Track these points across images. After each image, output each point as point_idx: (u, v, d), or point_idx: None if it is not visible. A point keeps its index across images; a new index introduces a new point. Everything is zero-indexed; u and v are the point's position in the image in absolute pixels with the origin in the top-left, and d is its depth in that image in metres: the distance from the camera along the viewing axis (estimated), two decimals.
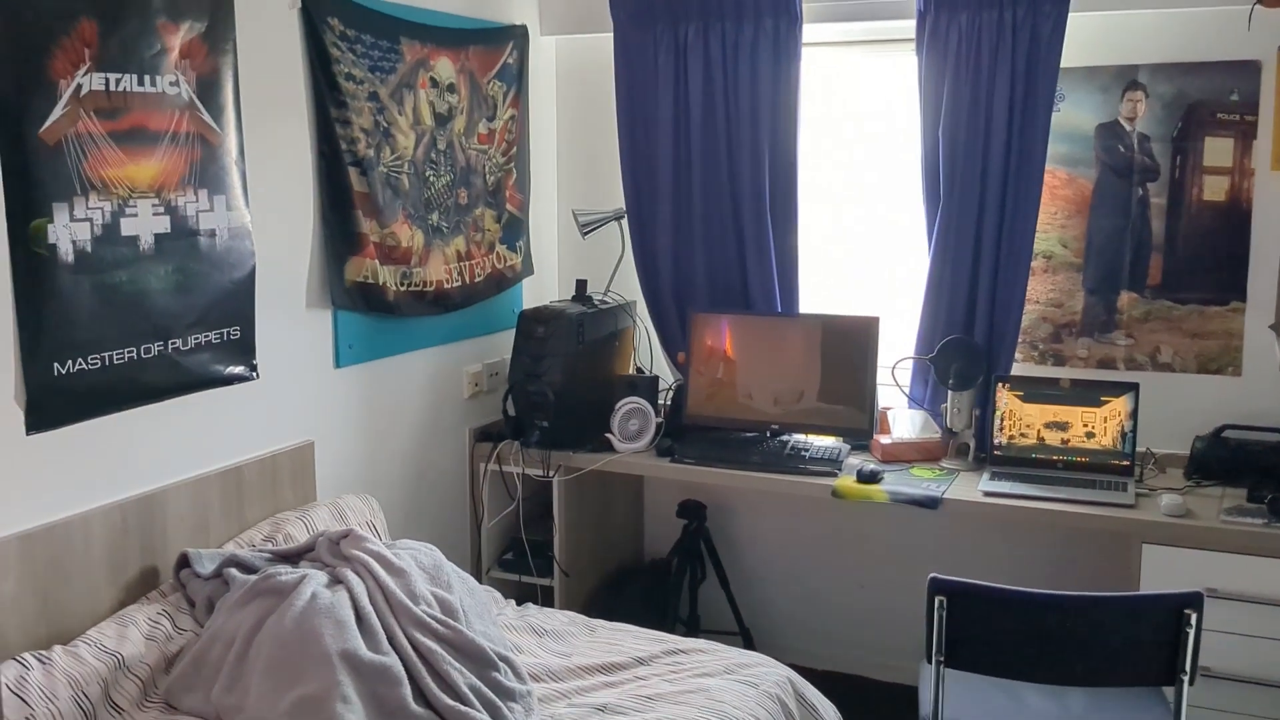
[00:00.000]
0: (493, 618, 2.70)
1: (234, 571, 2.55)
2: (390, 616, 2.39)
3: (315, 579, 2.43)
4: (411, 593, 2.46)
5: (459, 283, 3.64)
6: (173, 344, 2.65)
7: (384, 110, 3.27)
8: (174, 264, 2.64)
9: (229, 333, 2.81)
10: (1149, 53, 3.42)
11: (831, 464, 3.47)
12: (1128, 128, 3.47)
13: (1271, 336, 3.31)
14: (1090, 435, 3.39)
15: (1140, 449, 3.38)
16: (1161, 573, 3.00)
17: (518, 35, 3.88)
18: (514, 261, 3.93)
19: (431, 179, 3.49)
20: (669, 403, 3.83)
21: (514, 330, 3.72)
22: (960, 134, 3.47)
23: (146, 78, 2.54)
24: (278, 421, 3.04)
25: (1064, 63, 3.37)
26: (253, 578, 2.49)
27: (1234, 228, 3.40)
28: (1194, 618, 2.37)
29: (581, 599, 3.82)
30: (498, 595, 3.07)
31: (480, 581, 3.76)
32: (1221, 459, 3.32)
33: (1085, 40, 3.43)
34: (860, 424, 3.62)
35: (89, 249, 2.44)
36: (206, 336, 2.74)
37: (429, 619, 2.42)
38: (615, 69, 3.86)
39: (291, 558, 2.66)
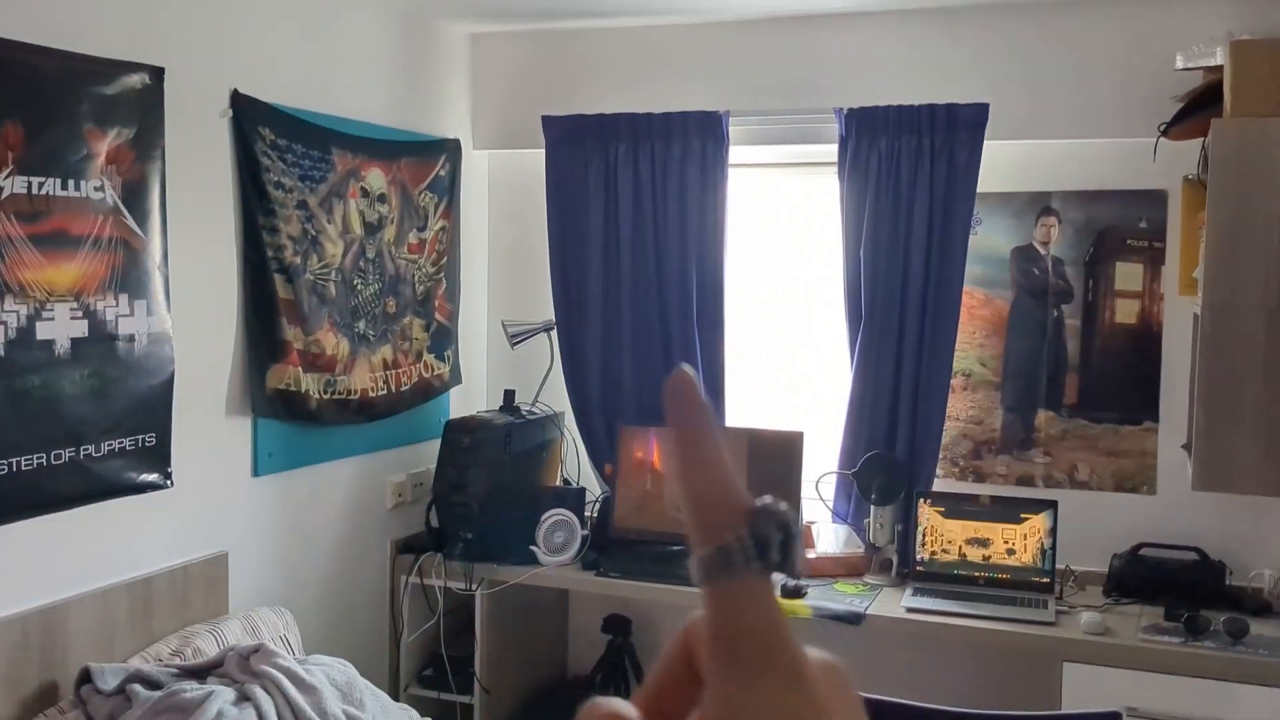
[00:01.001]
0: None
1: (137, 688, 2.46)
2: None
3: (222, 695, 2.35)
4: (322, 711, 2.39)
5: (384, 391, 3.62)
6: (85, 450, 2.59)
7: (313, 218, 3.28)
8: (90, 369, 2.59)
9: (144, 439, 2.76)
10: (1061, 180, 3.55)
11: None
12: (1042, 251, 3.58)
13: (1184, 456, 3.38)
14: (1011, 552, 3.42)
15: (1060, 566, 3.42)
16: (1082, 690, 3.01)
17: (450, 149, 3.93)
18: (442, 371, 3.92)
19: (359, 287, 3.49)
20: (595, 515, 3.81)
21: (440, 440, 3.69)
22: (881, 255, 3.56)
23: (71, 182, 2.53)
24: (191, 531, 2.97)
25: (981, 188, 3.48)
26: (156, 694, 2.40)
27: (1145, 349, 3.50)
28: None
29: (502, 717, 3.73)
30: (414, 714, 2.99)
31: (398, 699, 3.66)
32: (1139, 576, 3.37)
33: (1001, 167, 3.56)
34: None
35: (2, 353, 2.39)
36: (120, 443, 2.68)
37: None
38: (546, 184, 3.92)
39: (199, 673, 2.58)
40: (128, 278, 2.68)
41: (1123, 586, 3.37)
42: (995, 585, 3.40)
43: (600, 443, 3.96)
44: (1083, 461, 3.58)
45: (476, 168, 4.16)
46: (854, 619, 3.21)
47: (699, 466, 0.46)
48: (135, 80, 2.70)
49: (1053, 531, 3.39)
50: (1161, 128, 3.20)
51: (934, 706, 2.40)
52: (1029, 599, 3.29)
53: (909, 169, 3.51)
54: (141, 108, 2.72)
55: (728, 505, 0.45)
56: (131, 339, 2.70)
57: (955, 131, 3.46)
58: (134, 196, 2.70)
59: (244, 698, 2.39)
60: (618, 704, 0.47)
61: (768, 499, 0.46)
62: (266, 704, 2.36)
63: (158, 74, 2.76)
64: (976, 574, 3.43)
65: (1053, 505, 3.40)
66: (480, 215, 4.22)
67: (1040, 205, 3.57)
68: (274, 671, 2.46)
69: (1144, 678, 2.98)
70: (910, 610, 3.24)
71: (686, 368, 0.48)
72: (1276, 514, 3.30)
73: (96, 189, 2.59)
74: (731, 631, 0.44)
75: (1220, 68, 2.99)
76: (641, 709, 0.47)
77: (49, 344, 2.50)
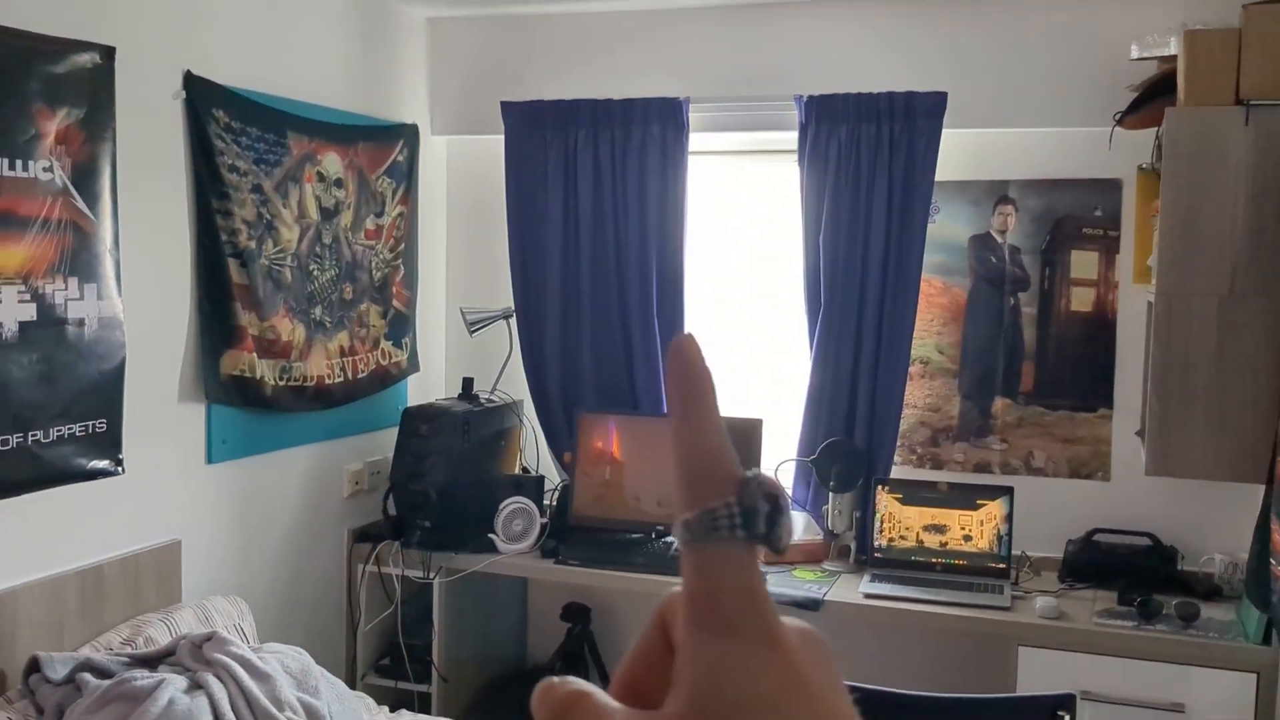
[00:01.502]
0: None
1: (87, 676, 2.42)
2: None
3: (173, 684, 2.32)
4: (276, 699, 2.36)
5: (341, 378, 3.58)
6: (33, 436, 2.54)
7: (268, 203, 3.24)
8: (38, 353, 2.54)
9: (94, 425, 2.71)
10: (1018, 169, 3.57)
11: None
12: (999, 239, 3.61)
13: (1137, 443, 3.42)
14: (967, 538, 3.44)
15: (1015, 552, 3.44)
16: (1037, 674, 3.03)
17: (408, 134, 3.89)
18: (399, 358, 3.89)
19: (315, 273, 3.45)
20: (554, 503, 3.79)
21: (397, 428, 3.66)
22: (840, 242, 3.57)
23: (19, 162, 2.48)
24: (143, 519, 2.92)
25: (939, 176, 3.50)
26: (106, 683, 2.37)
27: (1100, 337, 3.53)
28: (1067, 719, 2.39)
29: (460, 706, 3.71)
30: (370, 702, 2.97)
31: (355, 688, 3.63)
32: (1093, 562, 3.40)
33: (959, 155, 3.57)
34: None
35: None
36: (70, 429, 2.64)
37: None
38: (506, 170, 3.89)
39: (150, 661, 2.54)
40: (77, 260, 2.64)
41: (1077, 572, 3.41)
42: (952, 571, 3.42)
43: (559, 431, 3.94)
44: (1039, 448, 3.60)
45: (435, 153, 4.13)
46: (812, 605, 3.22)
47: (696, 431, 0.46)
48: (85, 60, 2.65)
49: (1009, 518, 3.41)
50: (1117, 117, 3.23)
51: (892, 690, 2.42)
52: (985, 584, 3.32)
53: (869, 156, 3.52)
54: (92, 88, 2.67)
55: (719, 472, 0.45)
56: (81, 323, 2.65)
57: (914, 119, 3.47)
58: (84, 178, 2.65)
59: (196, 686, 2.36)
60: (575, 682, 0.46)
61: (758, 471, 0.45)
62: (219, 692, 2.32)
63: (109, 53, 2.71)
64: (934, 560, 3.45)
65: (1009, 491, 3.43)
66: (439, 201, 4.18)
67: (998, 194, 3.59)
68: (227, 659, 2.43)
69: (1098, 661, 3.01)
70: (868, 596, 3.25)
71: (690, 334, 0.48)
72: (1227, 500, 3.34)
73: (45, 170, 2.54)
74: (709, 591, 0.44)
75: (1174, 57, 3.02)
76: (617, 690, 0.47)
77: None
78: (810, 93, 3.57)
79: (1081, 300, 3.55)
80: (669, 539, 3.64)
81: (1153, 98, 3.16)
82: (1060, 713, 2.39)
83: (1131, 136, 3.32)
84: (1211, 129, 2.91)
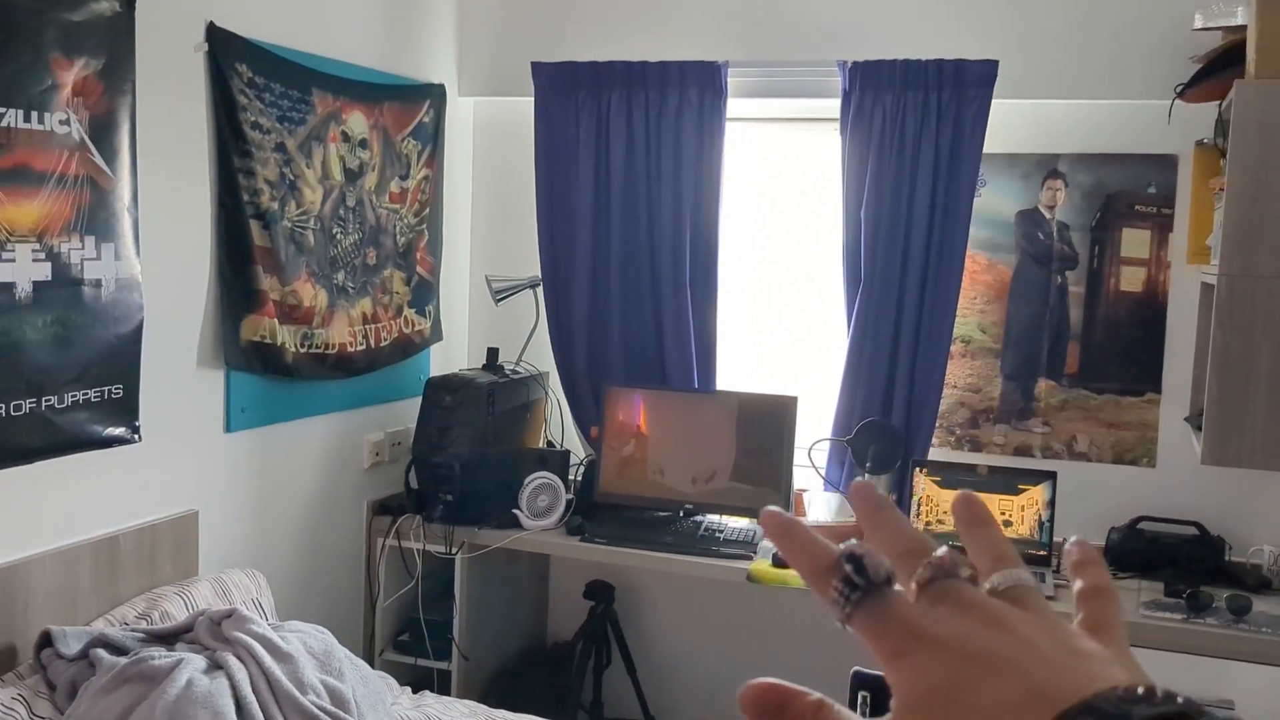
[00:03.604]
0: (387, 708, 2.50)
1: (102, 653, 2.32)
2: (274, 707, 2.19)
3: (192, 663, 2.22)
4: (299, 681, 2.26)
5: (363, 346, 3.47)
6: (47, 401, 2.43)
7: (291, 162, 3.11)
8: (53, 315, 2.43)
9: (110, 391, 2.60)
10: (1070, 142, 3.44)
11: (746, 546, 3.35)
12: (1047, 215, 3.47)
13: (1187, 429, 3.30)
14: (1007, 524, 3.33)
15: (1056, 538, 3.33)
16: None
17: (435, 94, 3.76)
18: (423, 326, 3.77)
19: (339, 237, 3.33)
20: (579, 479, 3.69)
21: (420, 398, 3.55)
22: (883, 215, 3.44)
23: (34, 114, 2.36)
24: (160, 488, 2.82)
25: (987, 148, 3.36)
26: (122, 660, 2.27)
27: (1150, 319, 3.41)
28: None
29: (480, 684, 3.62)
30: (392, 682, 2.87)
31: (373, 664, 3.54)
32: (1137, 551, 3.29)
33: (1008, 127, 3.44)
34: (776, 505, 3.50)
35: None
36: (85, 394, 2.53)
37: (317, 711, 2.22)
38: (535, 134, 3.76)
39: (167, 638, 2.44)
40: (94, 219, 2.52)
41: (1120, 561, 3.30)
42: None
43: (586, 404, 3.83)
44: (1082, 432, 3.49)
45: (461, 115, 4.00)
46: None
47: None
48: (104, 7, 2.52)
49: (1051, 503, 3.30)
50: (1178, 89, 3.09)
51: None
52: None
53: (914, 126, 3.38)
54: (111, 37, 2.54)
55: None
56: (98, 284, 2.54)
57: (963, 88, 3.34)
58: (102, 132, 2.53)
59: (216, 666, 2.26)
60: (796, 690, 0.48)
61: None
62: (240, 673, 2.23)
63: (129, 2, 2.58)
64: None
65: (1051, 476, 3.32)
66: (464, 165, 4.06)
67: (1047, 168, 3.46)
68: (247, 638, 2.33)
69: (1145, 654, 2.86)
70: None
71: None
72: (1278, 489, 3.22)
73: (62, 122, 2.42)
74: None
75: (1241, 28, 2.87)
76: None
77: (9, 287, 2.34)
78: (855, 58, 3.43)
79: (1131, 280, 3.42)
80: (697, 518, 3.54)
81: (1217, 70, 3.02)
82: None
83: (1189, 110, 3.18)
84: None
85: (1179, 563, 3.23)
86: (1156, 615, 2.95)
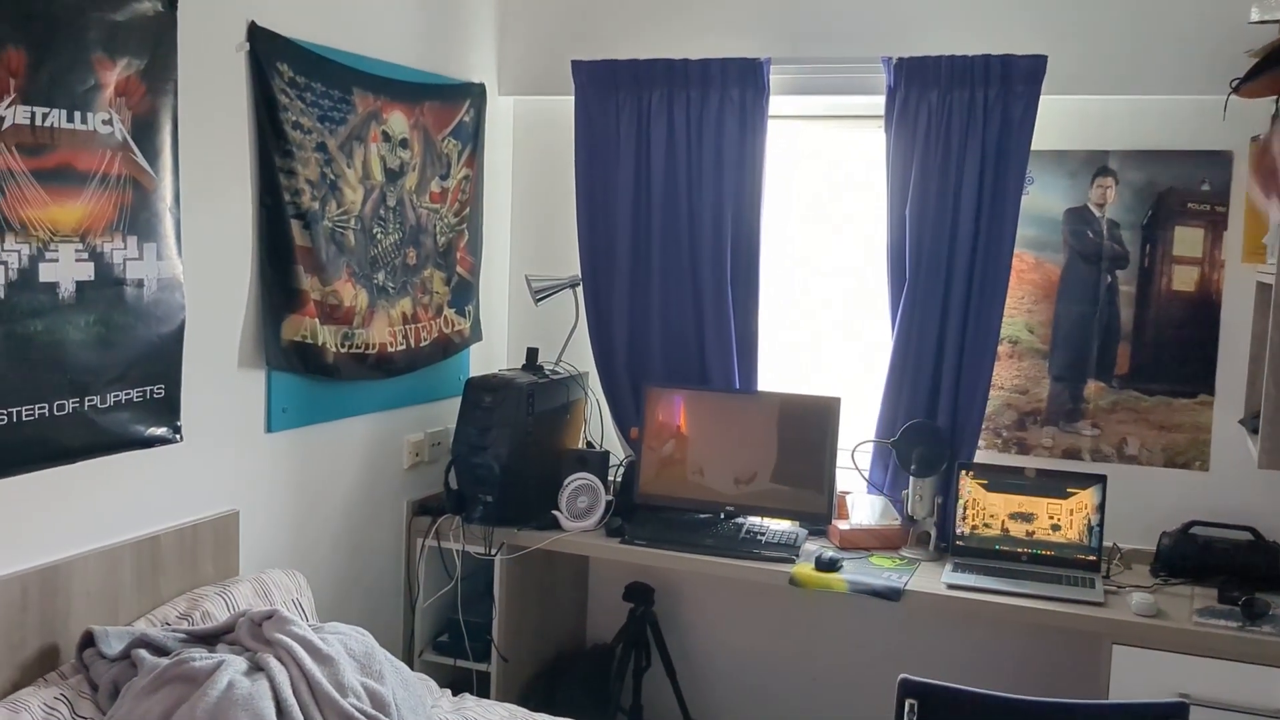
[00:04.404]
0: (427, 711, 2.48)
1: (143, 653, 2.32)
2: (314, 709, 2.18)
3: (233, 665, 2.21)
4: (339, 684, 2.25)
5: (403, 346, 3.46)
6: (89, 401, 2.44)
7: (332, 162, 3.10)
8: (96, 314, 2.43)
9: (152, 391, 2.60)
10: (1120, 139, 3.37)
11: (788, 549, 3.31)
12: (1097, 213, 3.41)
13: (1242, 431, 3.22)
14: (1055, 528, 3.27)
15: (1105, 543, 3.27)
16: (1132, 675, 2.86)
17: (475, 93, 3.75)
18: (462, 326, 3.76)
19: (379, 236, 3.32)
20: (619, 480, 3.66)
21: (460, 398, 3.53)
22: (928, 214, 3.38)
23: (77, 114, 2.36)
24: (201, 488, 2.82)
25: (1035, 145, 3.30)
26: (164, 661, 2.26)
27: (1203, 319, 3.33)
28: None
29: (519, 686, 3.60)
30: (432, 684, 2.85)
31: (412, 665, 3.54)
32: (1189, 557, 3.22)
33: (1056, 123, 3.37)
34: (818, 508, 3.47)
35: (1, 295, 2.23)
36: (127, 394, 2.53)
37: (358, 714, 2.20)
38: (575, 133, 3.74)
39: (208, 639, 2.43)
40: (137, 219, 2.52)
41: (1171, 566, 3.23)
42: (1038, 562, 3.25)
43: (626, 405, 3.80)
44: (1132, 435, 3.41)
45: (501, 114, 3.98)
46: (892, 595, 3.07)
47: None
48: (147, 7, 2.52)
49: (1101, 507, 3.23)
50: (1234, 84, 3.01)
51: (992, 693, 2.26)
52: (1074, 577, 3.14)
53: (960, 123, 3.33)
54: (153, 37, 2.54)
55: None
56: (140, 284, 2.54)
57: (1010, 84, 3.27)
58: (144, 132, 2.52)
59: (256, 668, 2.25)
60: None
61: None
62: (280, 675, 2.21)
63: (171, 2, 2.58)
64: (1019, 550, 3.28)
65: (1102, 480, 3.25)
66: (504, 164, 4.04)
67: (1097, 165, 3.39)
68: (288, 640, 2.31)
69: (1198, 663, 2.83)
70: (951, 587, 3.09)
71: None
72: None
73: (104, 122, 2.42)
74: None
75: None
76: None
77: (52, 287, 2.34)
78: (899, 54, 3.37)
79: (1184, 279, 3.35)
80: (738, 520, 3.50)
81: (1273, 64, 2.94)
82: None
83: (1243, 106, 3.11)
84: None
85: (1233, 569, 3.15)
86: (1210, 623, 2.87)
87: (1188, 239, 3.33)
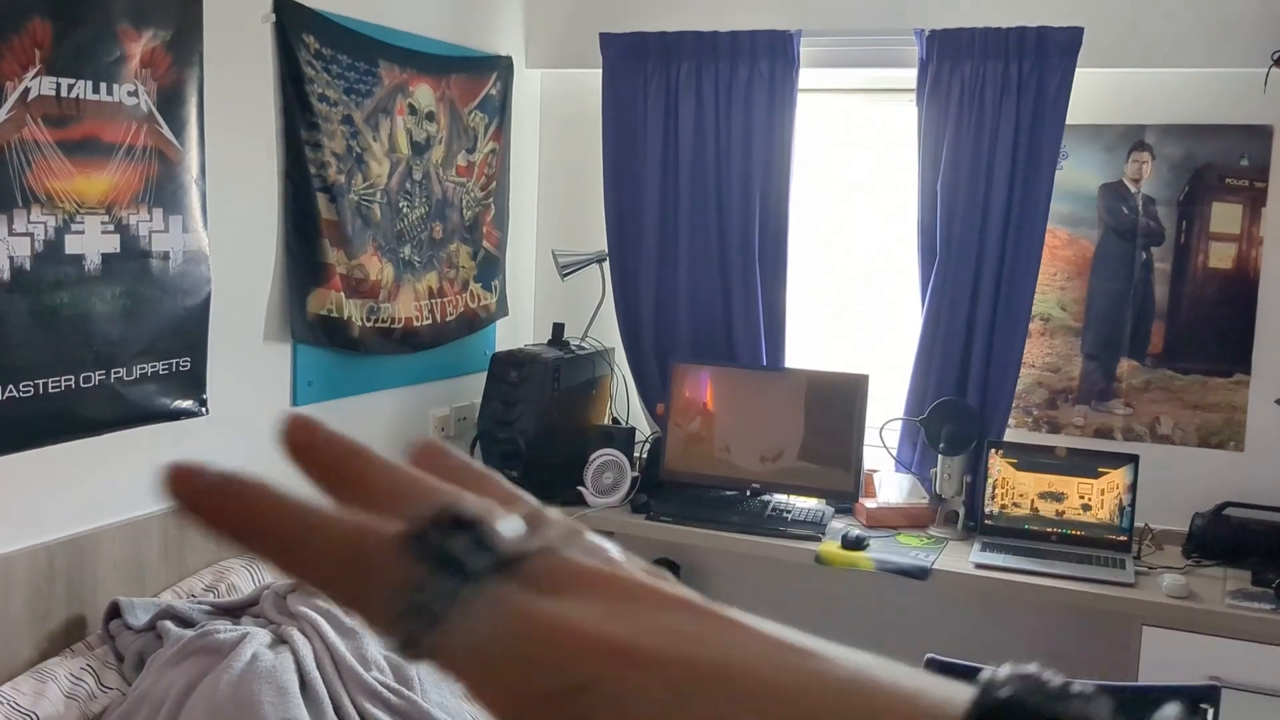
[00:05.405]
0: (450, 685, 2.48)
1: (169, 625, 2.33)
2: (338, 683, 2.18)
3: (257, 638, 2.21)
4: (362, 657, 2.25)
5: (429, 321, 3.45)
6: (115, 373, 2.44)
7: (358, 135, 3.09)
8: (122, 287, 2.43)
9: (178, 363, 2.60)
10: (1157, 113, 3.30)
11: (815, 527, 3.29)
12: (1132, 189, 3.35)
13: (1278, 411, 3.17)
14: (1086, 508, 3.23)
15: (1137, 524, 3.23)
16: (1163, 657, 2.83)
17: (502, 66, 3.72)
18: (488, 301, 3.75)
19: (405, 210, 3.31)
20: (645, 456, 3.65)
21: (485, 373, 3.52)
22: (960, 189, 3.33)
23: (102, 85, 2.35)
24: (226, 461, 2.71)
25: (1069, 119, 3.24)
26: (189, 633, 2.27)
27: (1240, 297, 3.27)
28: (1210, 713, 2.19)
29: None
30: None
31: None
32: (1222, 538, 3.17)
33: (1091, 97, 3.31)
34: (845, 486, 3.44)
35: (28, 266, 2.23)
36: (153, 366, 2.53)
37: (380, 687, 2.20)
38: (603, 106, 3.70)
39: (233, 611, 2.44)
40: (162, 191, 2.51)
41: (1204, 548, 3.18)
42: (1068, 542, 3.21)
43: (652, 381, 3.78)
44: (1166, 414, 3.36)
45: (529, 87, 3.95)
46: (920, 574, 3.04)
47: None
48: None
49: (1133, 488, 3.19)
50: (1275, 56, 2.95)
51: None
52: (1105, 558, 3.10)
53: (994, 97, 3.27)
54: (179, 8, 2.53)
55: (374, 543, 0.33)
56: (166, 256, 2.54)
57: (1045, 57, 3.21)
58: (170, 104, 2.52)
59: (280, 640, 2.25)
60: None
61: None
62: (304, 648, 2.22)
63: None
64: (1049, 530, 3.24)
65: (1134, 460, 3.20)
66: (531, 138, 4.01)
67: (1133, 139, 3.33)
68: (311, 613, 2.32)
69: (1230, 645, 2.80)
70: (979, 566, 3.06)
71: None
72: None
73: (130, 94, 2.42)
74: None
75: None
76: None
77: (78, 259, 2.34)
78: (932, 26, 3.32)
79: (1221, 256, 3.28)
80: (764, 498, 3.48)
81: None
82: (1202, 705, 2.20)
83: None
84: None
85: (1267, 551, 3.10)
86: (1243, 605, 2.83)
87: (1225, 215, 3.27)
